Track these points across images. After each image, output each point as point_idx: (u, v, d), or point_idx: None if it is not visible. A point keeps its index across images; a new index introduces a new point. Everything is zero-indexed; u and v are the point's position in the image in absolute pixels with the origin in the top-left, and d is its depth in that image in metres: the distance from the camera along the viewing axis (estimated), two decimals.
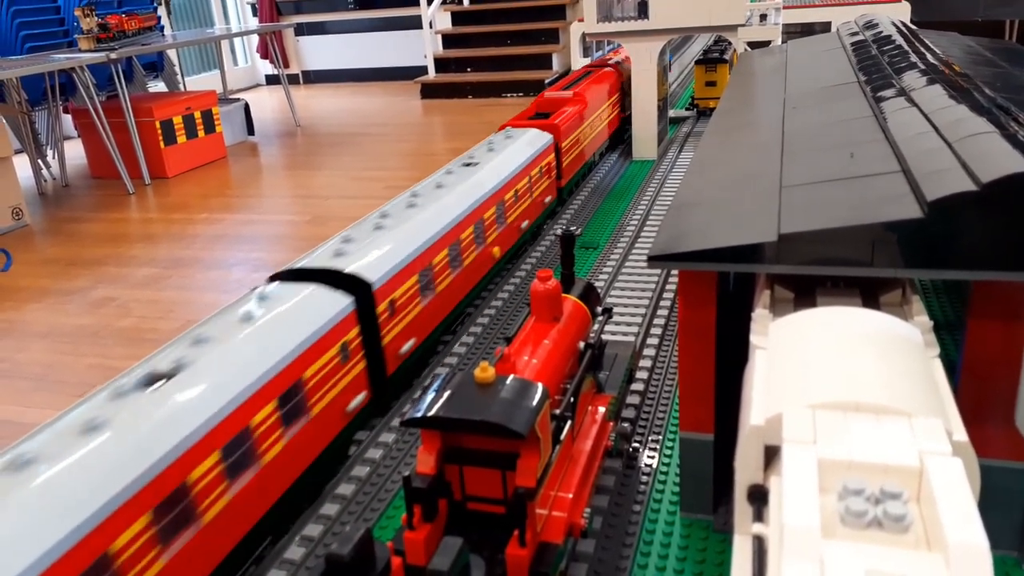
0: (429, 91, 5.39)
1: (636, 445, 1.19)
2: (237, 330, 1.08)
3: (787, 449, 0.59)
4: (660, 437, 1.21)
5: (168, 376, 0.94)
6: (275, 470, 1.04)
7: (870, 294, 0.88)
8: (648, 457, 1.17)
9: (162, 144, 3.69)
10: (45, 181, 3.71)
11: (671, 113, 3.30)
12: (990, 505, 0.93)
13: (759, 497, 0.65)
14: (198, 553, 0.90)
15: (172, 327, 1.98)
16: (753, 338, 0.81)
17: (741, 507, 0.67)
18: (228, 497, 0.94)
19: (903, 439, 0.59)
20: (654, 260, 0.87)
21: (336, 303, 1.21)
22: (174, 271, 2.44)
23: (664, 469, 1.15)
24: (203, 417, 0.91)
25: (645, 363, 1.41)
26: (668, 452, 1.18)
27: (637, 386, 1.32)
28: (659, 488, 1.11)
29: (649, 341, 1.50)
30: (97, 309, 2.18)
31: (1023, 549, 0.94)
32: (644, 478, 1.13)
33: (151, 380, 0.93)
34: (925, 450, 0.57)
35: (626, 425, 1.19)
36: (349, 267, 1.31)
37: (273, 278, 1.29)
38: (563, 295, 1.09)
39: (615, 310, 1.64)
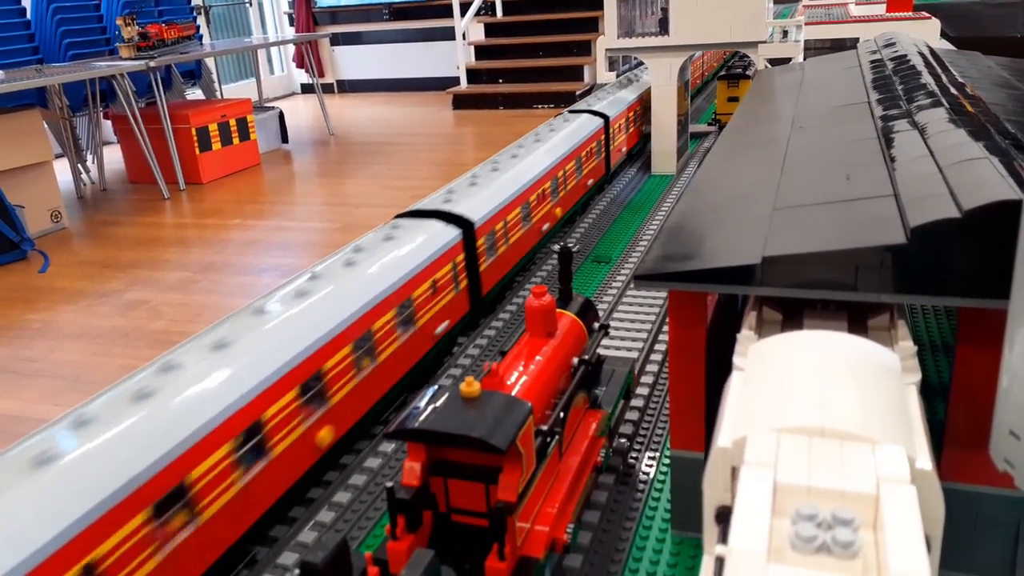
0: (461, 102, 5.44)
1: (632, 461, 1.20)
2: None
3: (744, 471, 0.59)
4: (657, 454, 1.22)
5: None
6: None
7: (858, 317, 0.88)
8: (643, 473, 1.18)
9: (197, 150, 3.77)
10: (84, 185, 3.82)
11: (692, 128, 3.29)
12: (980, 533, 0.93)
13: (725, 518, 0.65)
14: None
15: (201, 330, 2.03)
16: (735, 359, 0.81)
17: (709, 527, 0.68)
18: None
19: (863, 466, 0.59)
20: (640, 280, 0.88)
21: None
22: (205, 275, 2.50)
23: (659, 486, 1.15)
24: None
25: (647, 379, 1.41)
26: (664, 468, 1.19)
27: (637, 402, 1.33)
28: (652, 505, 1.11)
29: (654, 357, 1.50)
30: (129, 311, 2.24)
31: None
32: (638, 494, 1.13)
33: None
34: (883, 477, 0.57)
35: (623, 441, 1.20)
36: None
37: None
38: (559, 311, 1.11)
39: (623, 324, 1.64)
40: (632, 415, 1.30)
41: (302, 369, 1.13)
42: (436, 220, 1.59)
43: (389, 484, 0.82)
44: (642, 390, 1.38)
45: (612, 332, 1.60)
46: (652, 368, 1.46)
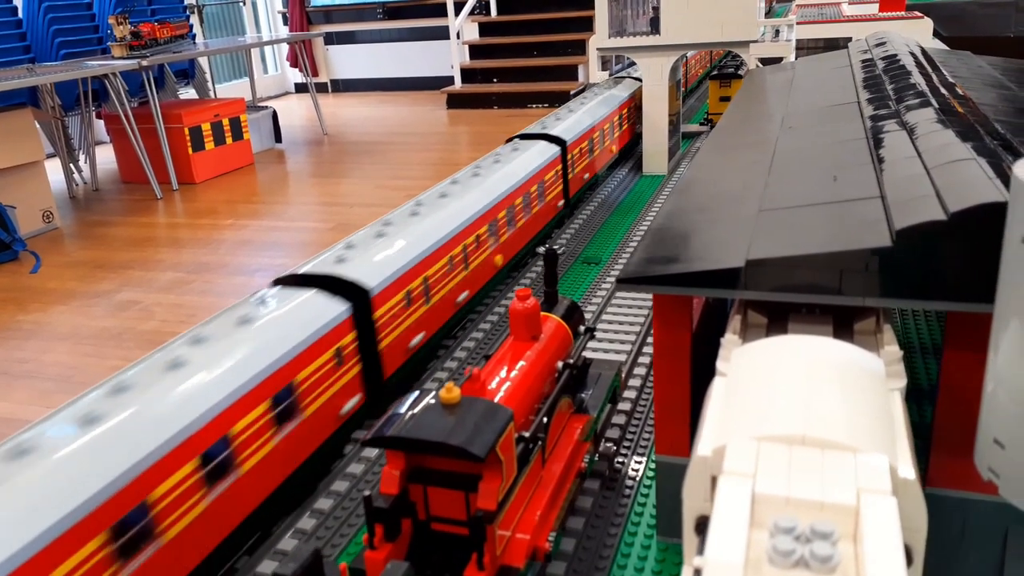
0: (455, 101, 5.43)
1: (619, 466, 1.18)
2: None
3: (722, 481, 0.58)
4: (644, 459, 1.21)
5: None
6: None
7: (844, 321, 0.87)
8: (630, 478, 1.16)
9: (190, 150, 3.76)
10: (76, 185, 3.80)
11: (684, 128, 3.28)
12: (968, 541, 0.92)
13: (704, 528, 0.64)
14: None
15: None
16: (718, 364, 0.80)
17: (688, 538, 0.67)
18: None
19: (844, 476, 0.58)
20: (623, 283, 0.86)
21: None
22: (198, 276, 2.48)
23: (645, 491, 1.14)
24: None
25: (635, 383, 1.40)
26: (651, 474, 1.17)
27: (624, 406, 1.31)
28: (638, 511, 1.10)
29: (642, 359, 1.49)
30: (121, 312, 2.22)
31: None
32: (624, 500, 1.12)
33: None
34: (863, 488, 0.56)
35: (610, 445, 1.19)
36: None
37: None
38: (544, 314, 1.09)
39: (611, 327, 1.63)
40: (619, 419, 1.28)
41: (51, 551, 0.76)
42: (319, 291, 1.25)
43: (367, 492, 0.81)
44: (629, 394, 1.36)
45: (600, 335, 1.59)
46: (640, 371, 1.44)
